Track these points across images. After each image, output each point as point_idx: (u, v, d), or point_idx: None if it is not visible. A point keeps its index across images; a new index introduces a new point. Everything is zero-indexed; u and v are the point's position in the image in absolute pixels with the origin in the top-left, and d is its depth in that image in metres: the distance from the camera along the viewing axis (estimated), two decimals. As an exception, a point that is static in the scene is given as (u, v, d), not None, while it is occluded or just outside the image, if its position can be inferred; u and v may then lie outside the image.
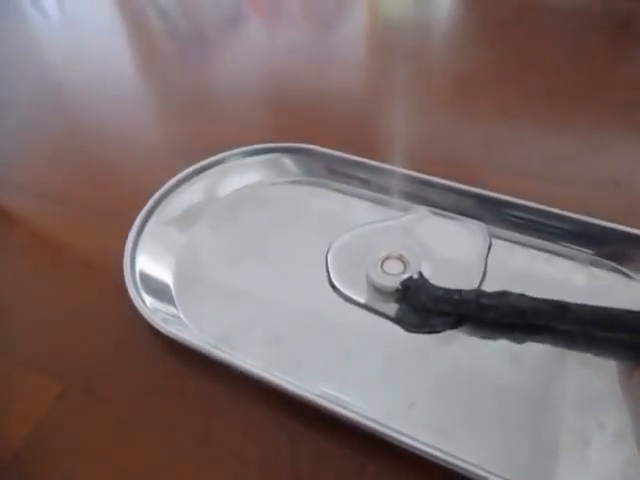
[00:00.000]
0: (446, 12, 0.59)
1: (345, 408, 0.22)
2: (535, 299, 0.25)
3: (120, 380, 0.26)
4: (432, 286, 0.27)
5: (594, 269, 0.28)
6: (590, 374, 0.24)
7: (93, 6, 0.66)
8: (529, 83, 0.43)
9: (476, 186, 0.31)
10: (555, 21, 0.53)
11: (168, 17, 0.65)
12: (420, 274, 0.27)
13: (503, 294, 0.25)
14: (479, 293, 0.26)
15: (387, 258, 0.29)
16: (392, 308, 0.27)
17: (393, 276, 0.28)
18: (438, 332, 0.26)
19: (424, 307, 0.26)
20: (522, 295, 0.25)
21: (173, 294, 0.28)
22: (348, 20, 0.60)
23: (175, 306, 0.28)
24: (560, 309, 0.24)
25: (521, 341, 0.25)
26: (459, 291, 0.26)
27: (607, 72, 0.44)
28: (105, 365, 0.26)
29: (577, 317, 0.24)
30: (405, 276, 0.27)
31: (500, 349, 0.25)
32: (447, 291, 0.26)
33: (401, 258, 0.28)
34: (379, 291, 0.28)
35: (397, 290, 0.27)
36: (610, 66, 0.45)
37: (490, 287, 0.26)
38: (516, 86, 0.43)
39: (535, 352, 0.25)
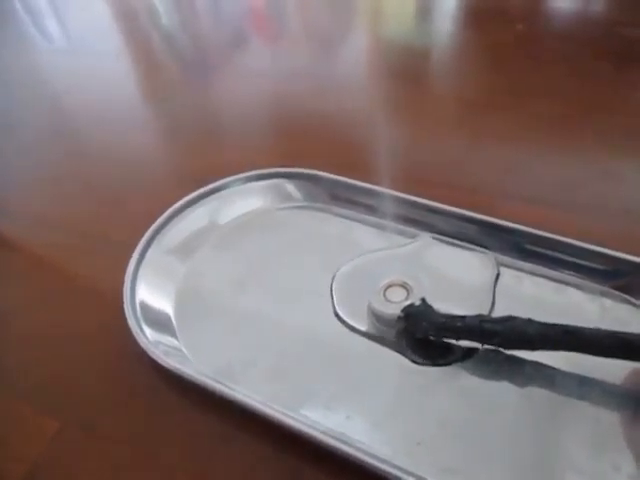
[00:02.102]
0: (447, 36, 0.59)
1: (350, 445, 0.22)
2: (543, 324, 0.24)
3: (120, 415, 0.25)
4: (434, 312, 0.26)
5: (605, 300, 0.27)
6: (604, 411, 0.23)
7: (96, 30, 0.66)
8: (535, 108, 0.43)
9: (483, 213, 0.30)
10: (560, 46, 0.52)
11: (171, 41, 0.65)
12: (423, 300, 0.26)
13: (508, 319, 0.24)
14: (483, 319, 0.25)
15: (390, 286, 0.28)
16: (396, 338, 0.26)
17: (395, 304, 0.27)
18: (444, 365, 0.25)
19: (426, 335, 0.26)
20: (529, 320, 0.24)
21: (174, 325, 0.28)
22: (350, 42, 0.60)
23: (176, 337, 0.27)
24: (569, 334, 0.23)
25: (531, 376, 0.24)
26: (462, 317, 0.25)
27: (614, 98, 0.44)
28: (104, 399, 0.26)
29: (587, 343, 0.23)
30: (407, 303, 0.27)
31: (510, 384, 0.24)
32: (450, 317, 0.25)
33: (405, 286, 0.28)
34: (382, 320, 0.27)
35: (399, 318, 0.26)
36: (616, 92, 0.45)
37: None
38: (521, 111, 0.43)
39: (546, 388, 0.24)
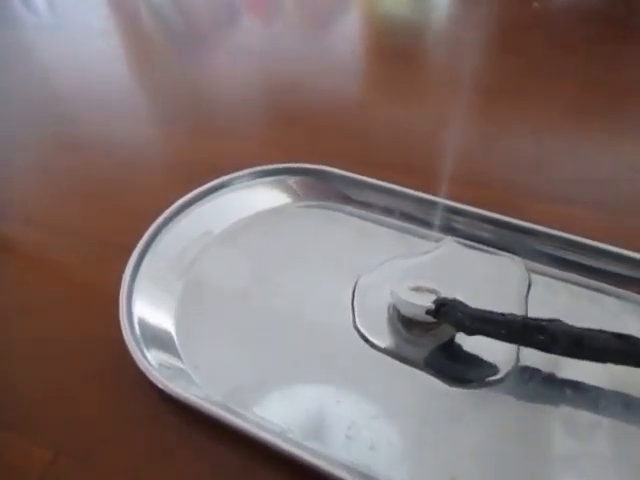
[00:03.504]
0: (457, 15, 0.56)
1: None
2: (591, 329, 0.22)
3: (119, 444, 0.23)
4: (469, 306, 0.23)
5: (645, 311, 0.25)
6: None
7: (84, 5, 0.62)
8: (557, 93, 0.40)
9: (507, 213, 0.28)
10: (581, 26, 0.50)
11: (164, 19, 0.61)
12: (455, 298, 0.24)
13: (553, 320, 0.22)
14: (525, 316, 0.23)
15: (417, 288, 0.25)
16: (424, 354, 0.24)
17: (424, 300, 0.24)
18: (475, 384, 0.23)
19: (460, 326, 0.23)
20: (574, 326, 0.22)
21: (176, 343, 0.25)
22: (348, 20, 0.57)
23: (179, 357, 0.25)
24: (622, 338, 0.21)
25: (572, 399, 0.22)
26: (501, 313, 0.23)
27: (634, 86, 0.41)
28: (101, 427, 0.23)
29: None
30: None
31: (549, 408, 0.22)
32: (488, 311, 0.23)
33: (433, 291, 0.25)
34: (406, 330, 0.25)
35: (429, 311, 0.24)
36: (636, 79, 0.42)
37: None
38: (542, 96, 0.40)
39: (589, 411, 0.22)
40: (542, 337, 0.22)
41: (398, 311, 0.25)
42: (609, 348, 0.21)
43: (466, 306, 0.23)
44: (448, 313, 0.23)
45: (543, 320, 0.22)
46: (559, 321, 0.22)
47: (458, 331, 0.24)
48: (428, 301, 0.24)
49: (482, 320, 0.23)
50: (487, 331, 0.23)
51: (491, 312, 0.23)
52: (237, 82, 0.46)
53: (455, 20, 0.55)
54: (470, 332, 0.23)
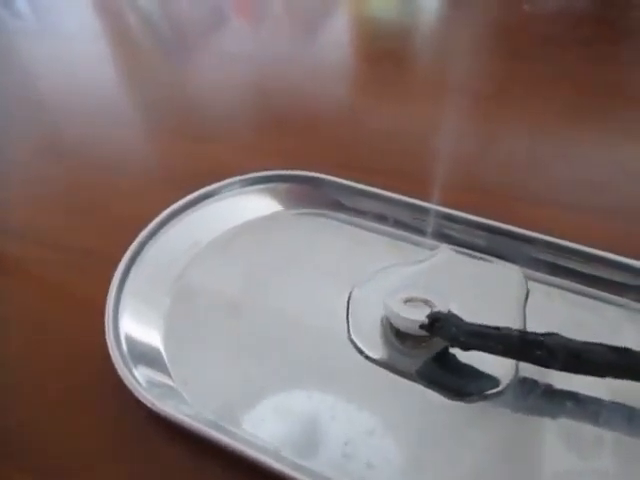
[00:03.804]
0: (445, 18, 0.56)
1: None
2: (590, 342, 0.21)
3: (104, 468, 0.22)
4: (464, 320, 0.23)
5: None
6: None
7: (69, 10, 0.61)
8: (549, 97, 0.40)
9: (504, 219, 0.27)
10: (572, 28, 0.49)
11: (150, 23, 0.60)
12: (449, 311, 0.23)
13: (551, 334, 0.21)
14: (522, 331, 0.22)
15: (410, 300, 0.25)
16: (419, 366, 0.23)
17: (417, 318, 0.23)
18: (474, 397, 0.22)
19: (455, 342, 0.22)
20: (572, 339, 0.21)
21: (165, 359, 0.24)
22: (337, 23, 0.56)
23: (169, 374, 0.24)
24: (621, 352, 0.21)
25: (573, 413, 0.22)
26: (498, 327, 0.22)
27: (633, 86, 0.41)
28: (86, 449, 0.22)
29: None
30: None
31: (549, 422, 0.21)
32: (483, 326, 0.22)
33: (426, 302, 0.25)
34: (401, 342, 0.24)
35: (422, 325, 0.23)
36: (635, 80, 0.42)
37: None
38: (534, 101, 0.40)
39: (590, 425, 0.21)
40: (540, 352, 0.21)
41: (391, 324, 0.24)
42: (608, 363, 0.21)
43: (460, 320, 0.23)
44: (442, 328, 0.23)
45: (541, 335, 0.21)
46: (557, 335, 0.21)
47: (452, 347, 0.23)
48: (422, 315, 0.23)
49: (477, 335, 0.22)
50: (482, 347, 0.22)
51: (487, 326, 0.22)
52: (225, 87, 0.45)
53: (445, 23, 0.55)
54: (465, 347, 0.23)
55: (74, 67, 0.49)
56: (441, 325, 0.23)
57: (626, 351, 0.21)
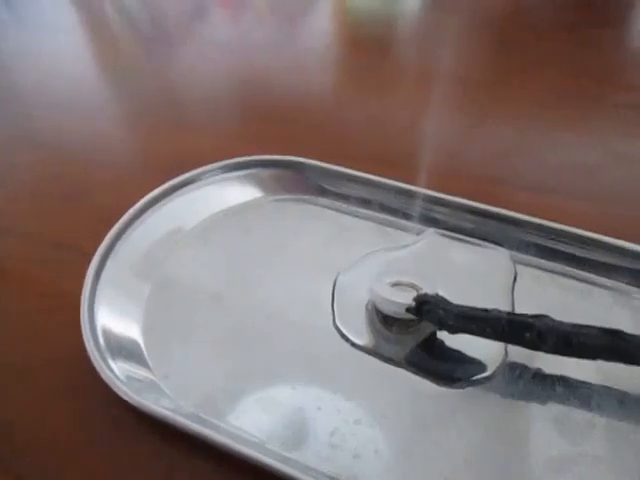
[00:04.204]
0: (431, 4, 0.55)
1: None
2: (580, 324, 0.21)
3: (86, 464, 0.21)
4: (452, 303, 0.22)
5: (636, 302, 0.24)
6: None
7: (46, 3, 0.59)
8: (537, 83, 0.39)
9: (492, 204, 0.27)
10: (559, 14, 0.48)
11: (129, 13, 0.58)
12: (437, 294, 0.23)
13: (541, 316, 0.21)
14: (511, 313, 0.22)
15: (397, 284, 0.24)
16: (406, 352, 0.23)
17: (404, 298, 0.23)
18: (462, 382, 0.22)
19: (443, 325, 0.22)
20: (562, 321, 0.21)
21: (144, 353, 0.23)
22: (320, 12, 0.55)
23: (148, 367, 0.23)
24: (611, 335, 0.20)
25: (564, 397, 0.21)
26: (486, 310, 0.21)
27: (624, 70, 0.41)
28: (66, 447, 0.21)
29: (634, 346, 0.20)
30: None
31: (540, 407, 0.21)
32: (472, 308, 0.22)
33: (413, 286, 0.24)
34: (387, 329, 0.23)
35: (409, 309, 0.22)
36: (627, 63, 0.41)
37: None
38: (522, 86, 0.39)
39: (581, 410, 0.21)
40: (529, 335, 0.21)
41: (378, 309, 0.24)
42: (599, 345, 0.20)
43: (448, 303, 0.22)
44: (430, 311, 0.22)
45: (530, 316, 0.21)
46: (547, 317, 0.21)
47: (440, 330, 0.22)
48: (409, 298, 0.22)
49: (465, 318, 0.21)
50: (471, 329, 0.22)
51: (474, 308, 0.22)
52: (206, 76, 0.44)
53: (429, 10, 0.54)
54: (453, 331, 0.22)
55: (51, 57, 0.48)
56: (429, 308, 0.22)
57: (617, 333, 0.20)
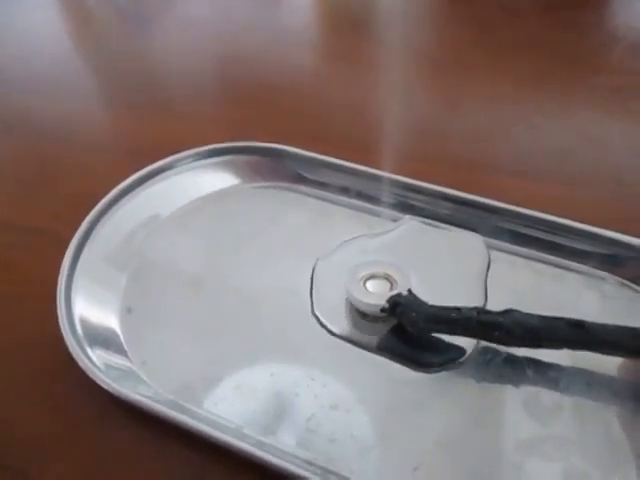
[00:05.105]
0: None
1: (335, 475, 0.19)
2: (547, 317, 0.21)
3: (66, 455, 0.21)
4: (424, 303, 0.23)
5: (606, 287, 0.25)
6: (615, 415, 0.21)
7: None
8: (510, 65, 0.39)
9: (466, 189, 0.27)
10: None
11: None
12: (410, 291, 0.23)
13: (509, 312, 0.22)
14: (480, 310, 0.22)
15: (371, 278, 0.25)
16: (381, 339, 0.23)
17: (378, 297, 0.23)
18: (436, 368, 0.22)
19: (416, 327, 0.22)
20: (530, 314, 0.21)
21: (122, 340, 0.24)
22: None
23: (126, 355, 0.23)
24: (577, 328, 0.21)
25: (534, 379, 0.22)
26: (457, 309, 0.22)
27: (599, 52, 0.41)
28: (45, 438, 0.21)
29: (598, 338, 0.21)
30: (393, 293, 0.23)
31: (511, 389, 0.22)
32: (443, 308, 0.22)
33: (388, 278, 0.24)
34: (364, 317, 0.24)
35: (383, 309, 0.23)
36: (602, 45, 0.42)
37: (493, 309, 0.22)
38: (496, 69, 0.39)
39: (551, 391, 0.22)
40: (498, 333, 0.21)
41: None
42: (565, 338, 0.21)
43: (420, 304, 0.23)
44: (402, 313, 0.23)
45: (499, 314, 0.22)
46: (515, 312, 0.22)
47: (414, 331, 0.23)
48: (383, 298, 0.23)
49: (436, 320, 0.22)
50: (442, 330, 0.22)
51: (446, 308, 0.22)
52: (183, 56, 0.43)
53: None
54: (425, 332, 0.23)
55: (24, 35, 0.47)
56: (401, 310, 0.23)
57: (582, 325, 0.21)
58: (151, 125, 0.36)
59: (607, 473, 0.19)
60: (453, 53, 0.42)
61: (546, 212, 0.26)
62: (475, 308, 0.22)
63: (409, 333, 0.23)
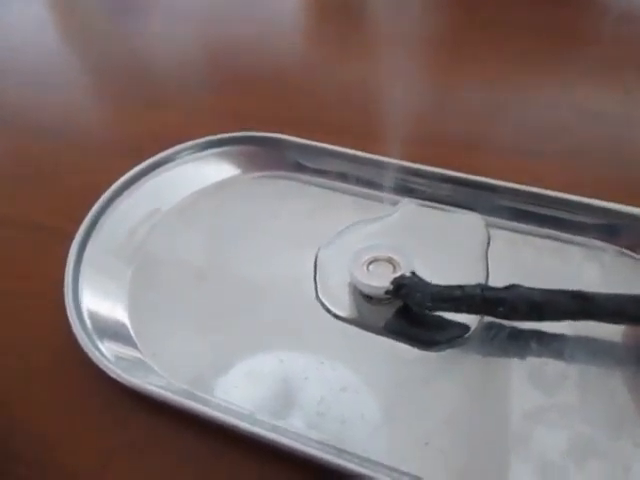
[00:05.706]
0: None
1: (347, 454, 0.19)
2: (549, 290, 0.22)
3: (79, 447, 0.21)
4: (428, 283, 0.23)
5: (604, 257, 0.25)
6: (620, 383, 0.21)
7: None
8: (507, 43, 0.40)
9: (462, 169, 0.27)
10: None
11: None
12: (413, 273, 0.24)
13: (512, 287, 0.22)
14: (484, 287, 0.23)
15: (374, 261, 0.25)
16: (385, 321, 0.24)
17: (382, 280, 0.24)
18: (442, 346, 0.23)
19: (421, 307, 0.23)
20: (533, 289, 0.22)
21: (131, 332, 0.24)
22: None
23: (136, 346, 0.23)
24: (580, 299, 0.21)
25: (538, 351, 0.22)
26: (461, 287, 0.22)
27: (596, 27, 0.41)
28: (58, 431, 0.22)
29: (601, 308, 0.21)
30: (396, 275, 0.24)
31: (516, 363, 0.22)
32: (446, 287, 0.23)
33: (390, 261, 0.25)
34: (368, 300, 0.24)
35: (388, 292, 0.23)
36: (600, 20, 0.42)
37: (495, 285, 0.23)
38: (492, 47, 0.39)
39: (556, 362, 0.22)
40: (502, 309, 0.22)
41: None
42: (567, 310, 0.21)
43: (424, 284, 0.23)
44: (407, 294, 0.23)
45: (502, 290, 0.22)
46: (518, 287, 0.22)
47: (419, 311, 0.23)
48: (387, 279, 0.23)
49: (441, 299, 0.22)
50: (447, 308, 0.23)
51: (450, 287, 0.22)
52: (175, 47, 0.43)
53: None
54: (430, 310, 0.23)
55: (14, 30, 0.46)
56: (406, 291, 0.23)
57: (584, 297, 0.21)
58: (148, 119, 0.36)
59: (612, 438, 0.20)
60: (447, 34, 0.42)
61: (544, 188, 0.26)
62: (478, 285, 0.22)
63: (413, 313, 0.24)
